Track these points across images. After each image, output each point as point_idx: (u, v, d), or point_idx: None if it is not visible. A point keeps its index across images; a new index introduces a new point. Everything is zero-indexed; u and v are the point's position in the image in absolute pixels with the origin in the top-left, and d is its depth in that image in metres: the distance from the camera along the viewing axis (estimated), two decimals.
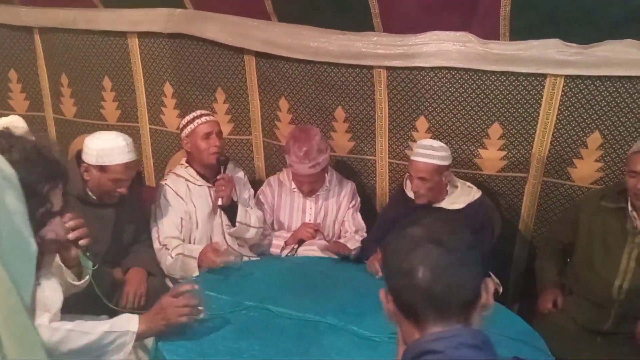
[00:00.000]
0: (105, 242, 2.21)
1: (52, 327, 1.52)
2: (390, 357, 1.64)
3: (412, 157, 2.40)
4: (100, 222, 2.19)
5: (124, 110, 3.28)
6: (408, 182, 2.57)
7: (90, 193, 2.23)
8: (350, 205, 2.72)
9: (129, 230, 2.38)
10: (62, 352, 1.52)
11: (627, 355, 2.05)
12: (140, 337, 1.64)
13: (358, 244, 2.55)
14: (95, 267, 1.76)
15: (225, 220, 2.50)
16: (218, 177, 2.45)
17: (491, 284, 1.00)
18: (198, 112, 2.56)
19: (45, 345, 1.43)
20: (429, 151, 2.35)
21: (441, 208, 2.43)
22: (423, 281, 0.93)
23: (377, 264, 2.21)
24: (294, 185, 2.68)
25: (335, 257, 2.43)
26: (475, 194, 2.48)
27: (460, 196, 2.46)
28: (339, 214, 2.71)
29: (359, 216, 2.73)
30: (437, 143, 2.41)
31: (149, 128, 3.28)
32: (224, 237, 2.50)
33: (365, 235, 2.66)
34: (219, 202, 2.44)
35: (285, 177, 2.73)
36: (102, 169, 2.16)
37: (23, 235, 0.54)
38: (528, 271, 2.73)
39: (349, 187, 2.75)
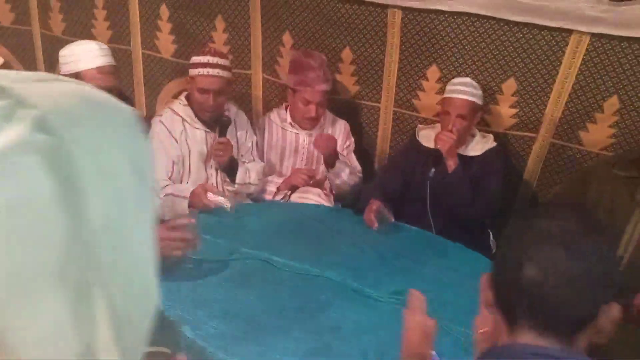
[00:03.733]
0: None
1: None
2: (390, 317, 1.61)
3: (451, 95, 2.35)
4: None
5: (116, 31, 3.06)
6: (421, 130, 2.51)
7: None
8: (345, 146, 2.61)
9: None
10: None
11: (627, 326, 2.03)
12: None
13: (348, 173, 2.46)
14: None
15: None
16: (217, 140, 2.30)
17: (616, 310, 0.84)
18: (206, 59, 2.26)
19: None
20: (469, 89, 2.33)
21: (459, 154, 2.37)
22: (534, 282, 0.80)
23: (372, 216, 2.13)
24: (288, 121, 2.55)
25: (331, 205, 2.36)
26: (492, 142, 2.45)
27: (479, 143, 2.44)
28: None
29: (353, 156, 2.62)
30: (474, 82, 2.37)
31: (142, 52, 3.08)
32: (222, 188, 2.38)
33: (360, 176, 2.58)
34: (215, 166, 2.33)
35: (276, 117, 2.59)
36: (77, 75, 2.04)
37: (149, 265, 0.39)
38: None
39: (342, 126, 2.63)
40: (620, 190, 2.13)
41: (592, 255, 0.80)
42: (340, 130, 2.62)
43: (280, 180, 2.53)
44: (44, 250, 0.28)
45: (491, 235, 2.51)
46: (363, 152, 2.89)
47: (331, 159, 2.40)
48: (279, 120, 2.59)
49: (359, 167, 2.60)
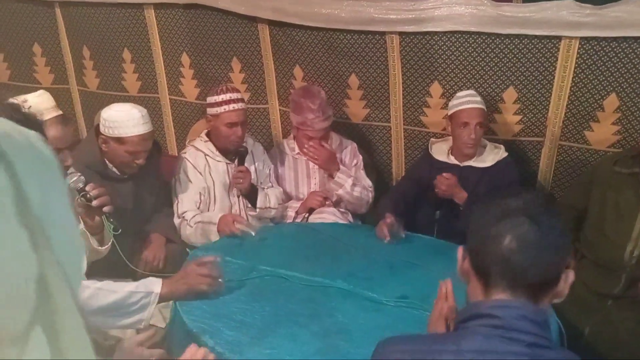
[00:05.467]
0: (126, 214, 2.24)
1: (82, 285, 1.62)
2: (396, 319, 1.71)
3: (465, 106, 2.42)
4: (119, 196, 2.24)
5: (144, 82, 3.35)
6: (434, 145, 2.62)
7: (109, 165, 2.29)
8: (353, 164, 2.74)
9: (148, 202, 2.44)
10: (90, 309, 1.61)
11: (637, 316, 2.06)
12: (162, 299, 1.72)
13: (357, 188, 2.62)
14: (119, 232, 1.86)
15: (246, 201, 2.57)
16: (236, 169, 2.49)
17: (572, 276, 0.97)
18: (227, 96, 2.45)
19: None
20: (478, 98, 2.45)
21: (470, 166, 2.47)
22: (506, 249, 0.93)
23: (385, 229, 2.25)
24: (296, 151, 2.72)
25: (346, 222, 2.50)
26: (502, 153, 2.52)
27: (490, 154, 2.52)
28: None
29: (363, 173, 2.74)
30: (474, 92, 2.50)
31: (169, 99, 3.35)
32: (245, 213, 2.56)
33: (371, 191, 2.69)
34: (237, 193, 2.52)
35: (285, 147, 2.77)
36: (119, 140, 2.19)
37: (72, 228, 0.54)
38: None
39: (349, 146, 2.78)
40: (624, 187, 2.18)
41: (553, 228, 0.94)
42: (347, 151, 2.77)
43: (298, 205, 2.69)
44: (5, 205, 0.44)
45: None
46: (379, 170, 3.02)
47: (329, 168, 2.57)
48: (288, 150, 2.76)
49: (369, 183, 2.72)
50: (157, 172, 2.53)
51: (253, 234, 2.25)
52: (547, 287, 0.95)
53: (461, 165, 2.50)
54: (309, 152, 2.63)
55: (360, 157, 2.77)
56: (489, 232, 0.96)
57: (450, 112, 2.49)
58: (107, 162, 2.29)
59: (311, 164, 2.73)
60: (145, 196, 2.43)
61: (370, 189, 2.68)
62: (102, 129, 2.23)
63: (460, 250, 1.05)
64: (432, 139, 2.71)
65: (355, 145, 2.80)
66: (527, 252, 0.92)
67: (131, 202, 2.33)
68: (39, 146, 0.51)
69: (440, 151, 2.59)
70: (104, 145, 2.25)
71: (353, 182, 2.59)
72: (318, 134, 2.61)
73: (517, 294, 0.94)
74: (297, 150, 2.73)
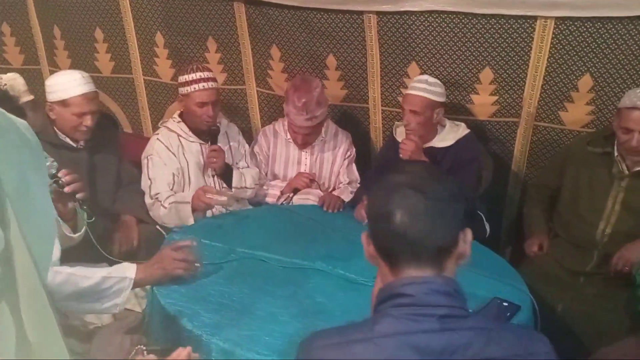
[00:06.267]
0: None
1: (54, 270, 1.59)
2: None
3: (406, 91, 2.42)
4: (72, 165, 2.18)
5: (118, 62, 3.27)
6: (397, 128, 2.61)
7: (60, 134, 2.28)
8: (346, 157, 2.73)
9: (106, 175, 2.43)
10: (63, 294, 1.58)
11: (608, 293, 2.12)
12: (137, 284, 1.70)
13: (351, 195, 2.61)
14: (92, 220, 1.82)
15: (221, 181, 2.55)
16: (209, 148, 2.46)
17: (470, 234, 1.00)
18: (197, 75, 2.43)
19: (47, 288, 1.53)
20: (423, 85, 2.39)
21: (431, 147, 2.46)
22: (399, 224, 0.95)
23: (363, 212, 2.26)
24: (289, 136, 2.70)
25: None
26: (463, 130, 2.50)
27: (449, 133, 2.50)
28: (335, 166, 2.72)
29: (353, 167, 2.75)
30: (432, 79, 2.44)
31: (143, 79, 3.28)
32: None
33: (359, 185, 2.70)
34: (212, 173, 2.50)
35: (280, 127, 2.74)
36: (64, 103, 2.22)
37: (46, 212, 0.53)
38: (520, 215, 2.77)
39: (344, 138, 2.75)
40: (596, 165, 2.23)
41: (439, 194, 0.96)
42: (342, 143, 2.74)
43: (284, 184, 2.67)
44: None
45: (484, 218, 2.58)
46: (358, 150, 3.02)
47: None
48: (282, 132, 2.73)
49: (357, 177, 2.73)
50: (115, 146, 2.54)
51: (225, 199, 2.24)
52: (448, 251, 0.97)
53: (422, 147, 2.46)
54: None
55: (354, 149, 2.75)
56: (381, 212, 0.97)
57: None
58: (57, 130, 2.28)
59: (304, 151, 2.69)
60: (102, 168, 2.41)
61: (358, 183, 2.69)
62: (47, 96, 2.26)
63: (364, 236, 1.05)
64: (396, 122, 2.70)
65: (350, 136, 2.77)
66: (420, 222, 0.94)
67: (85, 173, 2.30)
68: (25, 131, 0.50)
69: (404, 134, 2.57)
70: (50, 112, 2.27)
71: (349, 191, 2.63)
72: (301, 130, 2.58)
73: (422, 265, 0.96)
74: (289, 135, 2.70)
